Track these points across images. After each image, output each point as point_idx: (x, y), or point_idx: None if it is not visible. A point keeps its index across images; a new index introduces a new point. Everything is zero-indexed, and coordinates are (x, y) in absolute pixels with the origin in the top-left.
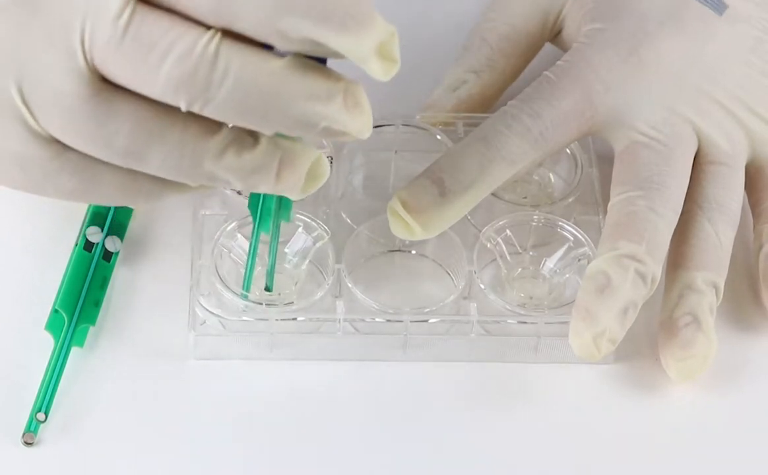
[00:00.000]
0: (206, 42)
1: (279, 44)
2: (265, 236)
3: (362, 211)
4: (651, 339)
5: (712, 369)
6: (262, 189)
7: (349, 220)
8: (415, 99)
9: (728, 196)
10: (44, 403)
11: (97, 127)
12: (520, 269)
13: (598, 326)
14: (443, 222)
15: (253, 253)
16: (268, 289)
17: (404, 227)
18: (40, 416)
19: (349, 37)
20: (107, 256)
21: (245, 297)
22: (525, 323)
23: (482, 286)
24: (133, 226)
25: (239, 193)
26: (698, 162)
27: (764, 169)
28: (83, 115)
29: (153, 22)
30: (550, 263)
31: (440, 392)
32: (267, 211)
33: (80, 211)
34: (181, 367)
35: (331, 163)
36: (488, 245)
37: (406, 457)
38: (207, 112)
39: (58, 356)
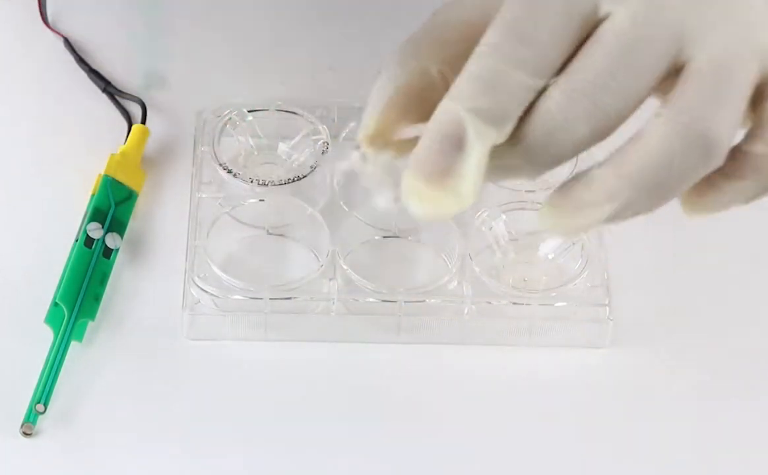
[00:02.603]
0: None
1: None
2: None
3: (358, 196)
4: (646, 323)
5: (708, 357)
6: None
7: (345, 207)
8: None
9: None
10: (43, 395)
11: None
12: (514, 254)
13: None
14: (476, 179)
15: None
16: None
17: (433, 204)
18: (39, 407)
19: None
20: (107, 252)
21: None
22: (519, 304)
23: (477, 269)
24: (133, 224)
25: (235, 175)
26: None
27: None
28: None
29: None
30: (545, 247)
31: (434, 375)
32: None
33: (80, 206)
34: (179, 363)
35: (327, 148)
36: (483, 230)
37: (398, 439)
38: None
39: (58, 349)
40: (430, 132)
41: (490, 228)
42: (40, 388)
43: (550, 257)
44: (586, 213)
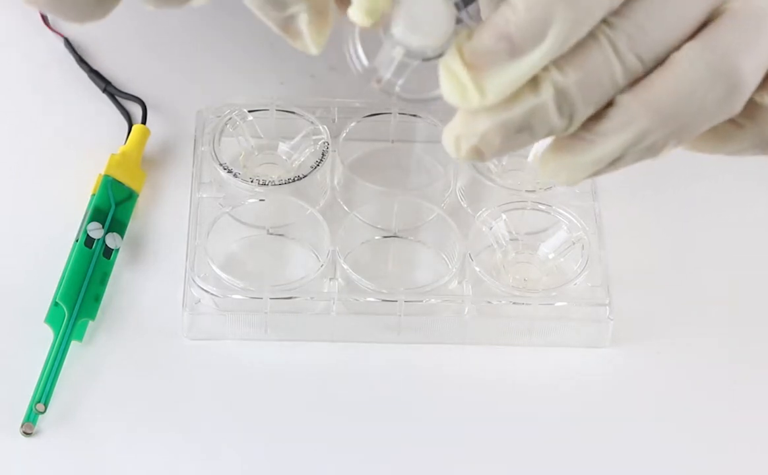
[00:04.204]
0: None
1: None
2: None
3: (358, 196)
4: (646, 323)
5: (708, 357)
6: None
7: (345, 207)
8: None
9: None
10: (43, 394)
11: None
12: (515, 254)
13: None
14: (511, 87)
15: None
16: None
17: (458, 88)
18: (39, 407)
19: None
20: (107, 252)
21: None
22: (520, 304)
23: (477, 269)
24: (133, 224)
25: (235, 175)
26: None
27: None
28: None
29: None
30: (546, 247)
31: (434, 375)
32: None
33: (80, 206)
34: (179, 363)
35: (327, 149)
36: (484, 230)
37: (398, 438)
38: None
39: (58, 349)
40: (490, 25)
41: (491, 228)
42: (40, 388)
43: (550, 256)
44: (598, 145)
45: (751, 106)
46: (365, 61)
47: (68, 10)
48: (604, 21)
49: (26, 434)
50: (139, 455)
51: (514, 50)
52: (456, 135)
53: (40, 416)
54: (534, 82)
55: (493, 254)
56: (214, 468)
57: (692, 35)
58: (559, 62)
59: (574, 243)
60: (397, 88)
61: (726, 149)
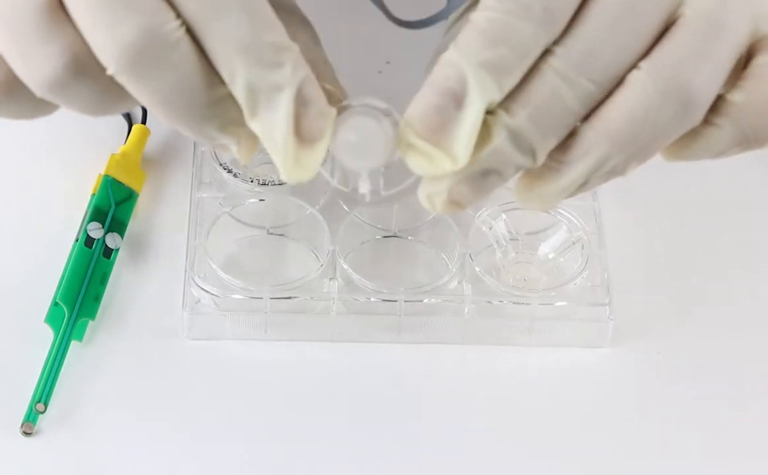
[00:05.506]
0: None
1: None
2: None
3: (359, 196)
4: (646, 323)
5: (708, 357)
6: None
7: (345, 207)
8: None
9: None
10: (43, 394)
11: None
12: (515, 254)
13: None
14: (469, 139)
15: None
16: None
17: (426, 161)
18: (39, 406)
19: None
20: (107, 252)
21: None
22: (520, 303)
23: (477, 269)
24: (133, 224)
25: (235, 175)
26: None
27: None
28: None
29: None
30: (546, 247)
31: (434, 375)
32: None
33: (80, 206)
34: (179, 363)
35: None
36: (484, 229)
37: (398, 439)
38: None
39: (58, 349)
40: (429, 86)
41: (491, 228)
42: (40, 387)
43: (550, 256)
44: (562, 174)
45: (723, 105)
46: (341, 186)
47: (11, 116)
48: (549, 51)
49: (26, 434)
50: (139, 455)
51: (460, 102)
52: (427, 194)
53: (40, 416)
54: (486, 129)
55: (493, 254)
56: (214, 468)
57: (649, 49)
58: (506, 104)
59: (574, 243)
60: (383, 192)
61: (708, 153)
